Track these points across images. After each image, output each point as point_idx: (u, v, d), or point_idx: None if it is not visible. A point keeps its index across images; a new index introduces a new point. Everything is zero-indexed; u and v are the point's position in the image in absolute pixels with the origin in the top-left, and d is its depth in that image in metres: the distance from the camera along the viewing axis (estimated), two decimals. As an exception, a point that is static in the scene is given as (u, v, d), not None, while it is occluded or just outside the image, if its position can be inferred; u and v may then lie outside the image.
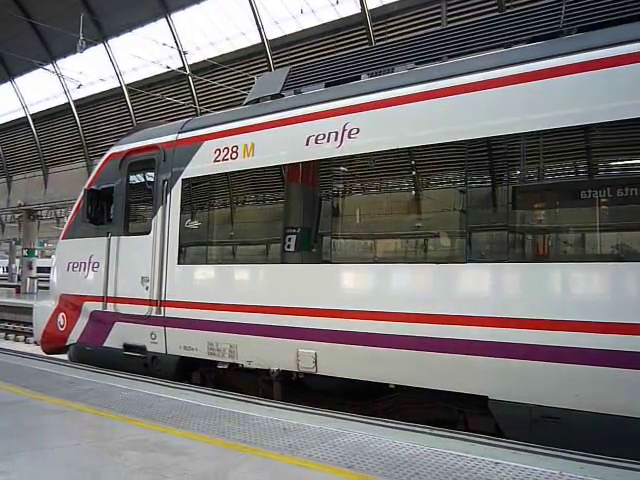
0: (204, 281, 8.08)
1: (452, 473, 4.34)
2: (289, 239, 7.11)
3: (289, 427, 5.56)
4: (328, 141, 6.77)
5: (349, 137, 6.60)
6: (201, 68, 26.51)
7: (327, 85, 7.59)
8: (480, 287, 5.79)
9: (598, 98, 5.26)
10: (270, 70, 23.56)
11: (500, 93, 5.72)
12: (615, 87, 5.18)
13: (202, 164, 8.07)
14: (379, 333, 6.08)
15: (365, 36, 21.65)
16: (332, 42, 22.83)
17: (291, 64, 13.96)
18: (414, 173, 6.66)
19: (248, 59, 25.70)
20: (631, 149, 5.30)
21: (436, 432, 5.44)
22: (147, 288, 8.35)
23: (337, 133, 6.69)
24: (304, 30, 24.00)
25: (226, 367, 7.65)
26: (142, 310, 8.36)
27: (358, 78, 7.33)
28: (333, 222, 6.91)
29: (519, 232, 5.68)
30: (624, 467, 4.50)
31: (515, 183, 5.75)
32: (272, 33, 25.25)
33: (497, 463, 4.55)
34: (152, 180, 8.71)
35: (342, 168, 6.89)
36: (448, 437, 5.30)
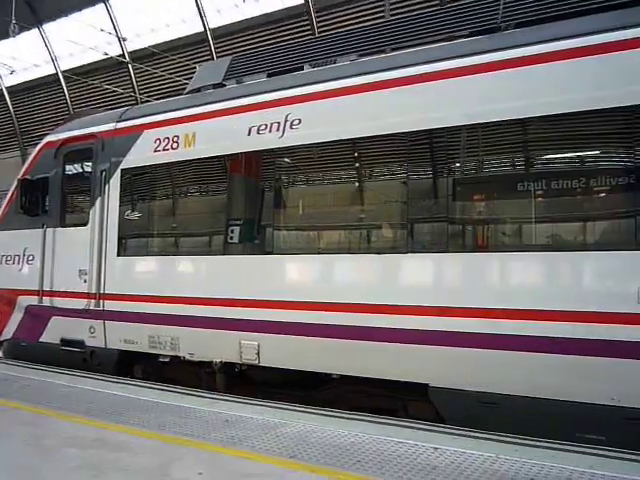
0: (145, 273, 7.93)
1: (393, 460, 4.42)
2: (232, 230, 7.05)
3: (232, 419, 5.53)
4: (270, 131, 6.74)
5: (291, 128, 6.58)
6: (141, 56, 25.83)
7: (269, 75, 7.53)
8: (420, 277, 5.90)
9: (532, 92, 5.42)
10: (213, 59, 23.21)
11: (438, 86, 5.82)
12: (546, 82, 5.34)
13: (142, 154, 7.89)
14: (321, 323, 6.11)
15: (309, 27, 21.58)
16: (276, 32, 22.64)
17: (234, 54, 13.79)
18: (356, 165, 6.71)
19: (190, 47, 25.18)
20: (561, 143, 5.49)
21: (378, 420, 5.53)
22: (85, 281, 8.13)
23: (279, 124, 6.67)
24: (247, 19, 23.70)
25: (168, 360, 7.54)
26: (80, 304, 8.13)
27: (301, 69, 7.31)
28: (276, 213, 6.89)
29: (459, 223, 5.80)
30: (557, 449, 4.68)
31: (454, 175, 5.87)
32: (215, 21, 24.84)
33: (436, 448, 4.67)
34: (90, 170, 8.46)
35: (284, 159, 6.88)
36: (390, 425, 5.38)
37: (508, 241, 5.69)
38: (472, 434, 5.07)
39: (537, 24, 5.78)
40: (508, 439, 4.91)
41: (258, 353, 6.62)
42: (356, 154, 6.58)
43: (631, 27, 5.05)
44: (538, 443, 4.81)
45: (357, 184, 6.65)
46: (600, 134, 5.32)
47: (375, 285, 6.03)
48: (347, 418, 5.61)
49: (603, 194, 5.27)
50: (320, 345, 6.16)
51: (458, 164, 5.89)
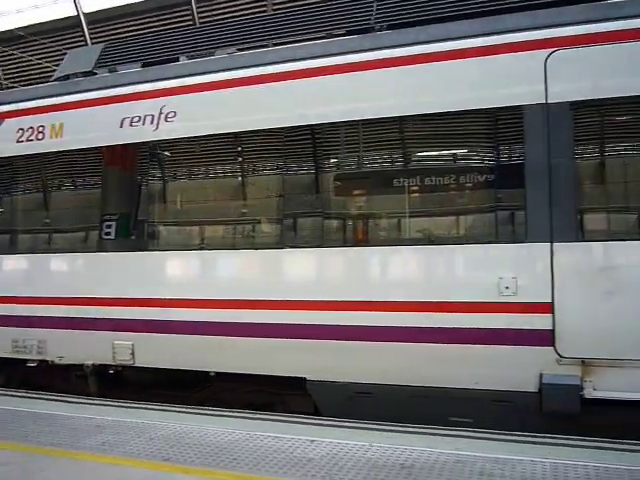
0: (8, 272, 7.38)
1: (269, 455, 4.43)
2: (107, 226, 6.73)
3: (103, 424, 5.29)
4: (144, 124, 6.50)
5: (166, 120, 6.39)
6: (7, 38, 24.01)
7: (144, 65, 7.26)
8: (297, 272, 5.95)
9: (405, 92, 5.62)
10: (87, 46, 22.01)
11: (314, 82, 5.89)
12: (419, 83, 5.57)
13: (3, 144, 7.32)
14: (197, 321, 6.01)
15: (189, 17, 21.06)
16: (156, 20, 21.87)
17: (110, 41, 13.13)
18: (232, 160, 6.63)
19: (61, 32, 23.72)
20: (433, 141, 5.76)
21: (256, 416, 5.52)
22: None
23: (153, 116, 6.45)
24: (125, 5, 22.68)
25: (35, 365, 7.07)
26: None
27: (177, 60, 7.10)
28: (152, 209, 6.66)
29: (335, 218, 5.91)
30: (427, 433, 4.91)
31: (331, 171, 5.97)
32: (89, 6, 23.55)
33: (313, 441, 4.73)
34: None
35: (159, 152, 6.65)
36: (267, 420, 5.39)
37: (383, 236, 5.86)
38: (348, 424, 5.20)
39: (410, 26, 5.99)
40: (382, 427, 5.08)
41: (133, 353, 6.38)
42: (233, 149, 6.51)
43: (474, 36, 5.41)
44: (410, 429, 5.02)
45: (232, 179, 6.58)
46: (460, 135, 5.62)
47: (251, 281, 6.01)
48: (225, 416, 5.56)
49: (466, 190, 5.54)
50: (196, 343, 6.05)
51: (331, 160, 6.01)
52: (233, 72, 6.26)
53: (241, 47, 6.87)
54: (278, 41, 6.71)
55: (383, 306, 5.42)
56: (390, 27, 6.10)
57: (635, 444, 4.55)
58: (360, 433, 4.95)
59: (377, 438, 4.78)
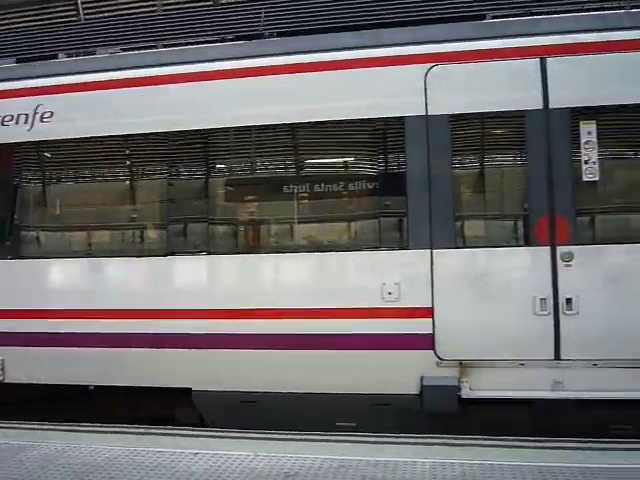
0: None
1: (150, 471, 4.26)
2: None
3: (-37, 448, 4.87)
4: (17, 123, 6.10)
5: (41, 121, 6.02)
6: None
7: (19, 61, 6.81)
8: (179, 280, 5.81)
9: (292, 99, 5.64)
10: (-39, 37, 20.41)
11: (198, 88, 5.79)
12: (305, 91, 5.61)
13: None
14: (73, 332, 5.70)
15: (74, 12, 20.11)
16: (40, 14, 20.69)
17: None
18: (114, 163, 6.35)
19: None
20: (319, 149, 5.86)
21: (138, 431, 5.31)
22: None
23: (27, 115, 6.06)
24: (4, -4, 21.28)
25: None
26: None
27: (55, 57, 6.72)
28: (25, 213, 6.26)
29: (220, 224, 5.82)
30: (315, 440, 4.93)
31: (215, 176, 5.88)
32: (-37, -6, 21.87)
33: (196, 453, 4.61)
34: None
35: (34, 154, 6.26)
36: (150, 434, 5.20)
37: (269, 242, 5.84)
38: (233, 435, 5.12)
39: (300, 34, 6.02)
40: (267, 436, 5.05)
41: (2, 369, 5.94)
42: (113, 152, 6.24)
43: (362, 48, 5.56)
44: (296, 437, 5.02)
45: (116, 183, 6.32)
46: (345, 143, 5.73)
47: (132, 290, 5.80)
48: (104, 432, 5.29)
49: (351, 198, 5.63)
50: (73, 356, 5.73)
51: (213, 166, 5.94)
52: (115, 73, 6.02)
53: (126, 47, 6.63)
54: (166, 42, 6.54)
55: (266, 314, 5.41)
56: (280, 35, 6.12)
57: (511, 440, 4.80)
58: (245, 443, 4.89)
59: (262, 447, 4.73)
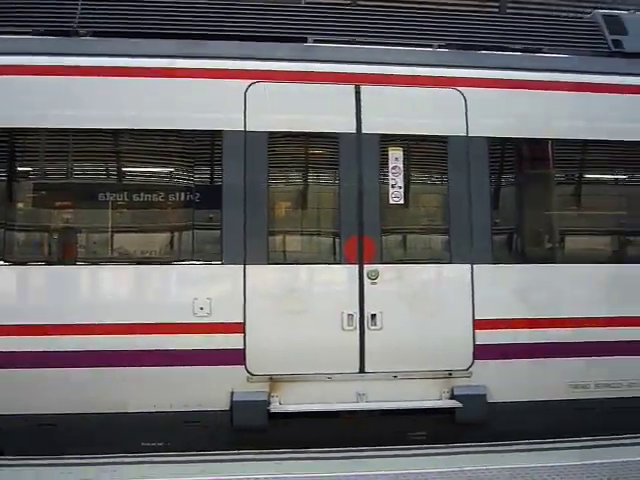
0: None
1: None
2: None
3: None
4: None
5: None
6: None
7: None
8: None
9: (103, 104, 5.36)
10: None
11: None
12: (117, 96, 5.37)
13: None
14: None
15: None
16: None
17: None
18: None
19: None
20: (129, 158, 5.63)
21: None
22: None
23: None
24: None
25: None
26: None
27: None
28: None
29: (22, 232, 5.37)
30: (117, 463, 4.67)
31: (19, 180, 5.42)
32: None
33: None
34: None
35: None
36: None
37: (77, 253, 5.45)
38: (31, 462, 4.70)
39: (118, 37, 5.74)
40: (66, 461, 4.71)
41: None
42: None
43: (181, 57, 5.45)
44: (100, 460, 4.73)
45: None
46: (159, 154, 5.58)
47: None
48: None
49: (166, 209, 5.45)
50: None
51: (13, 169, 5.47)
52: None
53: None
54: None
55: (73, 329, 5.06)
56: (96, 34, 5.79)
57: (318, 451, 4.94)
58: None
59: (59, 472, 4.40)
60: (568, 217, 6.04)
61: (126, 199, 5.35)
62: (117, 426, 5.10)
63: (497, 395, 5.46)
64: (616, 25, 6.41)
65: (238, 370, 5.17)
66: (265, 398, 5.17)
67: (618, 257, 5.97)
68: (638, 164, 6.08)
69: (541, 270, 5.70)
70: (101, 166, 5.58)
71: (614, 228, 6.03)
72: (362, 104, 5.52)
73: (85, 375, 5.03)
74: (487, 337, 5.42)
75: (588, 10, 7.39)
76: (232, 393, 5.17)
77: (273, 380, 5.23)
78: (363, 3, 9.73)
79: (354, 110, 5.51)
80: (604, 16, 6.51)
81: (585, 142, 5.95)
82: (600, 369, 5.59)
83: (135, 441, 5.11)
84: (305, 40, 5.91)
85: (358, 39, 6.01)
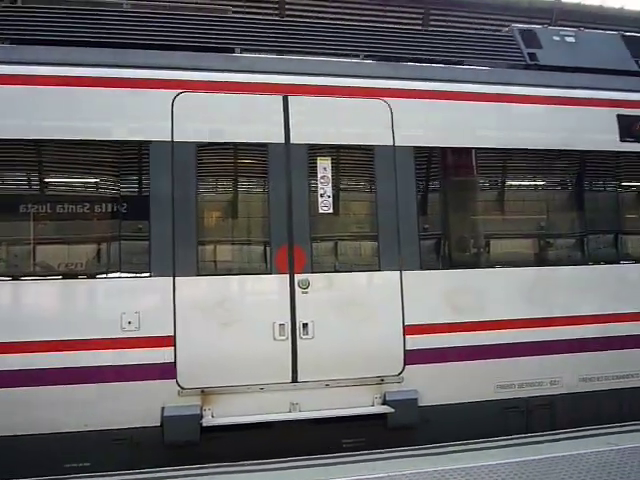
0: None
1: None
2: None
3: None
4: None
5: None
6: None
7: None
8: None
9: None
10: None
11: None
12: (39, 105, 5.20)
13: None
14: None
15: None
16: None
17: None
18: None
19: None
20: (60, 168, 5.45)
21: None
22: None
23: None
24: None
25: None
26: None
27: None
28: None
29: None
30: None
31: None
32: None
33: None
34: None
35: None
36: None
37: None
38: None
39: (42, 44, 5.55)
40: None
41: None
42: None
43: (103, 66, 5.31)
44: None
45: None
46: (86, 164, 5.40)
47: None
48: None
49: (91, 220, 5.27)
50: None
51: None
52: None
53: None
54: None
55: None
56: (14, 42, 5.59)
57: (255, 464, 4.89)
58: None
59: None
60: (491, 222, 6.24)
61: (49, 210, 5.14)
62: (43, 448, 4.87)
63: (428, 399, 5.56)
64: (531, 39, 6.73)
65: (169, 384, 5.06)
66: (197, 412, 5.08)
67: (538, 260, 6.22)
68: (555, 171, 6.38)
69: (467, 274, 5.88)
70: (23, 177, 5.39)
71: (535, 232, 6.28)
72: (290, 114, 5.56)
73: (8, 396, 4.81)
74: (417, 342, 5.53)
75: (507, 24, 7.72)
76: (163, 408, 5.06)
77: (205, 393, 5.15)
78: (291, 14, 9.84)
79: (282, 120, 5.54)
80: (520, 31, 6.84)
81: (505, 151, 6.19)
82: (523, 369, 5.80)
83: (59, 463, 4.90)
84: (233, 51, 5.92)
85: (286, 50, 6.07)
